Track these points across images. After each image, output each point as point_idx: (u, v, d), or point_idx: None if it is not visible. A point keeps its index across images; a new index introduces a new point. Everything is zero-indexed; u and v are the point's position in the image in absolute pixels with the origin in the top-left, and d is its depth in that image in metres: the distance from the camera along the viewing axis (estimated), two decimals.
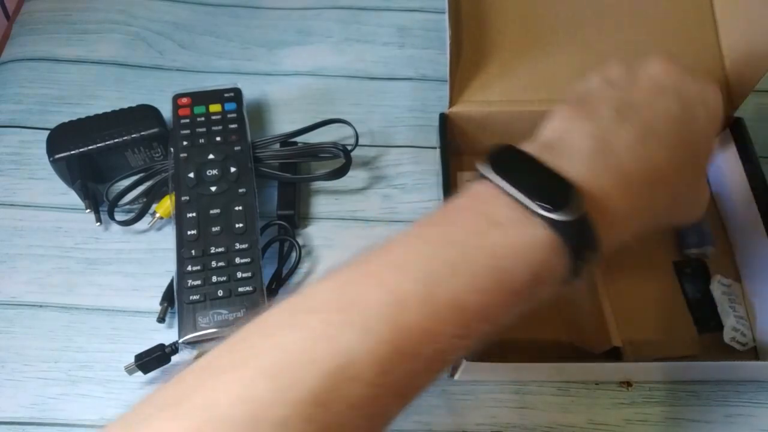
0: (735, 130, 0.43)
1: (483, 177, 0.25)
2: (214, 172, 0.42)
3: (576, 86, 0.32)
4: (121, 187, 0.43)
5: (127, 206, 0.44)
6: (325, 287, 0.23)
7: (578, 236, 0.24)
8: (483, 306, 0.23)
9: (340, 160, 0.44)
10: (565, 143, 0.27)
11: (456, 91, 0.43)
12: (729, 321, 0.39)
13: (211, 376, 0.21)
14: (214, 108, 0.45)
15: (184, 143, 0.43)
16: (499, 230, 0.23)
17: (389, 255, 0.24)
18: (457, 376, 0.38)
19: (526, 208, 0.24)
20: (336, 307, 0.22)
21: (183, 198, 0.41)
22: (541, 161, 0.25)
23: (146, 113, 0.45)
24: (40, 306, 0.42)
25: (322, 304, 0.22)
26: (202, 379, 0.21)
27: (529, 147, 0.27)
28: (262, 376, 0.20)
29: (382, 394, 0.21)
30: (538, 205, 0.23)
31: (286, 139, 0.46)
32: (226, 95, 0.46)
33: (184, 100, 0.45)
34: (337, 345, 0.21)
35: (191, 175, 0.42)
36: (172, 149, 0.43)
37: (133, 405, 0.21)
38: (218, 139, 0.43)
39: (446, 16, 0.39)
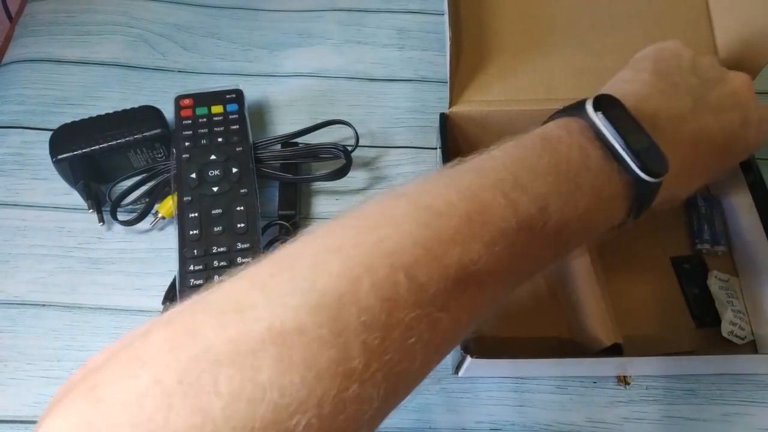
0: None
1: (579, 117, 0.28)
2: (216, 172, 0.42)
3: (660, 49, 0.34)
4: (124, 188, 0.44)
5: (130, 206, 0.44)
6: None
7: (649, 198, 0.27)
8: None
9: (341, 160, 0.45)
10: (658, 117, 0.29)
11: (456, 92, 0.43)
12: (727, 315, 0.40)
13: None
14: (216, 109, 0.45)
15: (186, 144, 0.43)
16: (589, 174, 0.26)
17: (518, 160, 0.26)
18: (461, 373, 0.38)
19: (617, 161, 0.26)
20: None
21: (185, 198, 0.41)
22: (643, 127, 0.27)
23: (148, 114, 0.45)
24: (43, 305, 0.42)
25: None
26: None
27: (627, 106, 0.28)
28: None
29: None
30: (638, 167, 0.26)
31: (287, 140, 0.46)
32: (227, 96, 0.46)
33: (186, 102, 0.45)
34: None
35: (193, 175, 0.42)
36: (174, 150, 0.43)
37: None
38: (220, 139, 0.44)
39: (446, 18, 0.39)
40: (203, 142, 0.44)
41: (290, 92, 0.52)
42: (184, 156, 0.43)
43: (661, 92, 0.31)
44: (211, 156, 0.43)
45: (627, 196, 0.27)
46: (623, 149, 0.26)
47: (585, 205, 0.25)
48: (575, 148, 0.26)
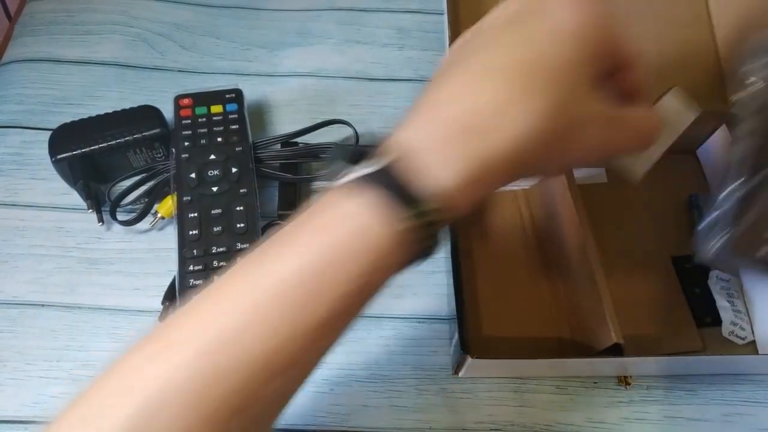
0: (732, 127, 0.43)
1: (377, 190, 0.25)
2: (216, 172, 0.42)
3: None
4: (123, 188, 0.44)
5: (129, 206, 0.44)
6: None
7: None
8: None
9: None
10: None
11: None
12: (727, 315, 0.39)
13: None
14: (216, 109, 0.45)
15: (186, 144, 0.43)
16: (378, 258, 0.24)
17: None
18: (461, 373, 0.38)
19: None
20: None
21: (185, 198, 0.41)
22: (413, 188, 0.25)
23: (148, 114, 0.45)
24: (42, 305, 0.42)
25: None
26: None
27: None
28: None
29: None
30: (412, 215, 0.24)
31: (287, 140, 0.46)
32: (227, 96, 0.46)
33: (186, 101, 0.45)
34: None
35: (193, 175, 0.42)
36: (173, 150, 0.43)
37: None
38: (219, 139, 0.44)
39: (445, 18, 0.39)
40: (203, 141, 0.43)
41: (290, 92, 0.52)
42: (183, 156, 0.43)
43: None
44: (210, 156, 0.43)
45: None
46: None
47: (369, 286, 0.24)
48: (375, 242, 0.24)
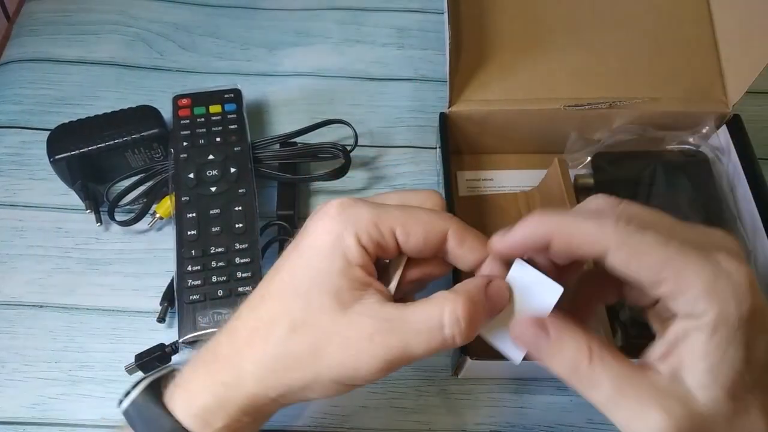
0: (732, 127, 0.43)
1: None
2: (214, 172, 0.42)
3: None
4: (122, 188, 0.43)
5: (128, 207, 0.44)
6: None
7: None
8: None
9: (340, 160, 0.45)
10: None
11: (455, 91, 0.43)
12: None
13: None
14: (214, 109, 0.45)
15: (184, 144, 0.43)
16: None
17: None
18: (461, 374, 0.38)
19: None
20: None
21: (183, 198, 0.41)
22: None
23: (146, 114, 0.45)
24: (41, 306, 0.42)
25: None
26: None
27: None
28: None
29: None
30: None
31: (286, 140, 0.46)
32: (226, 96, 0.46)
33: (184, 101, 0.45)
34: None
35: (191, 175, 0.42)
36: (172, 150, 0.43)
37: None
38: (218, 139, 0.43)
39: (445, 17, 0.39)
40: (201, 141, 0.43)
41: (289, 92, 0.52)
42: (181, 156, 0.42)
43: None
44: (209, 156, 0.43)
45: None
46: None
47: None
48: None
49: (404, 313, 0.25)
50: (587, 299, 0.29)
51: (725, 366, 0.21)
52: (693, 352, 0.21)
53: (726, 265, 0.21)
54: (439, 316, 0.24)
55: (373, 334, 0.24)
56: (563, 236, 0.24)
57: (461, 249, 0.27)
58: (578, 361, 0.23)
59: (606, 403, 0.23)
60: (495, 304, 0.26)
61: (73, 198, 0.44)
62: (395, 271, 0.27)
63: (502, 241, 0.26)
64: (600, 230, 0.23)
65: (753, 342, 0.21)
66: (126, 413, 0.26)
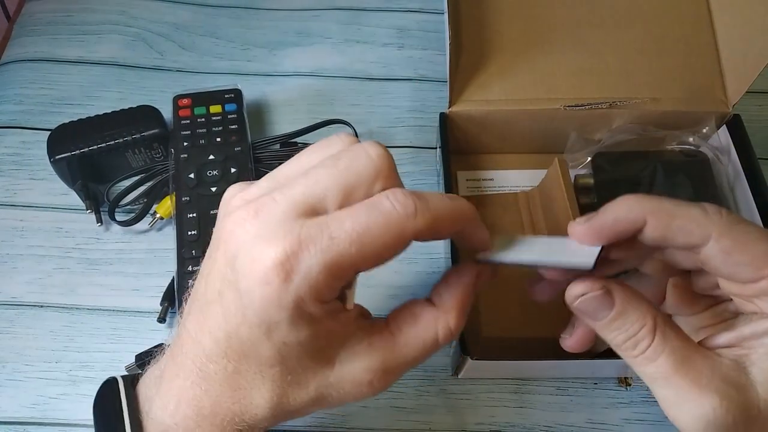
0: (732, 127, 0.43)
1: None
2: (215, 172, 0.42)
3: None
4: (122, 188, 0.43)
5: (128, 207, 0.44)
6: None
7: None
8: None
9: None
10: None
11: (456, 91, 0.43)
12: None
13: None
14: (215, 109, 0.45)
15: (185, 144, 0.43)
16: None
17: None
18: (461, 374, 0.38)
19: None
20: None
21: (183, 198, 0.41)
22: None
23: (146, 114, 0.45)
24: (41, 306, 0.42)
25: None
26: None
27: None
28: None
29: None
30: None
31: (286, 140, 0.46)
32: (226, 96, 0.46)
33: (185, 101, 0.45)
34: None
35: (192, 175, 0.42)
36: (172, 150, 0.43)
37: None
38: (218, 139, 0.44)
39: (445, 17, 0.39)
40: (201, 142, 0.43)
41: (289, 92, 0.52)
42: (182, 156, 0.43)
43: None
44: (209, 156, 0.43)
45: None
46: None
47: None
48: None
49: (397, 347, 0.24)
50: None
51: None
52: (767, 349, 0.21)
53: None
54: (434, 337, 0.24)
55: (372, 381, 0.23)
56: (663, 217, 0.22)
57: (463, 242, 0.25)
58: (640, 336, 0.22)
59: (658, 379, 0.22)
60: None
61: (74, 198, 0.44)
62: (349, 288, 0.24)
63: (590, 224, 0.23)
64: (705, 215, 0.21)
65: None
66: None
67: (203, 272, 0.23)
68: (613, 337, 0.23)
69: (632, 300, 0.22)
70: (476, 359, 0.34)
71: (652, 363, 0.22)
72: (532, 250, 0.24)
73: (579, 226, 0.23)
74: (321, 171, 0.22)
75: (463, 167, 0.47)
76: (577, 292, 0.23)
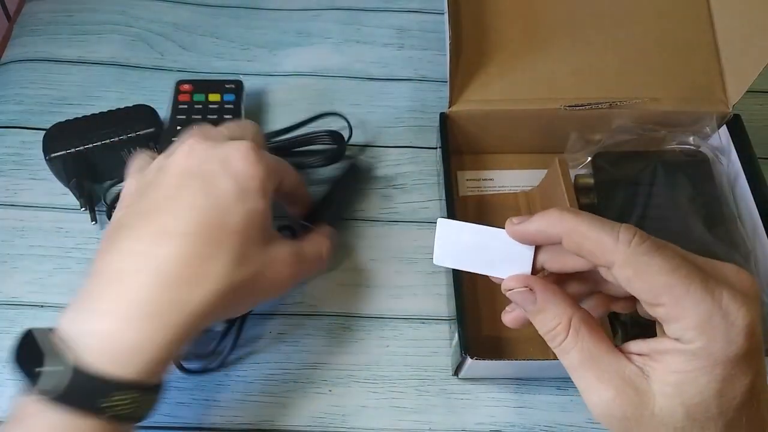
0: (732, 126, 0.43)
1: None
2: None
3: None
4: (120, 189, 0.43)
5: None
6: None
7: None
8: None
9: (333, 146, 0.45)
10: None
11: (456, 91, 0.43)
12: None
13: None
14: (213, 97, 0.46)
15: (177, 128, 0.44)
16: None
17: None
18: (461, 374, 0.38)
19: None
20: None
21: None
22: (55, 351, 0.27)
23: (142, 113, 0.45)
24: (41, 306, 0.42)
25: None
26: None
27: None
28: None
29: None
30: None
31: (280, 134, 0.46)
32: (227, 86, 0.47)
33: (186, 87, 0.46)
34: None
35: None
36: (164, 132, 0.44)
37: None
38: None
39: (445, 17, 0.39)
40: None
41: (289, 91, 0.52)
42: (173, 138, 0.43)
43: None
44: None
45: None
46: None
47: None
48: None
49: (302, 247, 0.35)
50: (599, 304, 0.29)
51: (693, 389, 0.22)
52: (669, 365, 0.23)
53: (726, 304, 0.22)
54: (320, 251, 0.37)
55: (292, 263, 0.33)
56: (575, 238, 0.25)
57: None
58: (556, 332, 0.26)
59: (570, 369, 0.26)
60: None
61: (74, 198, 0.44)
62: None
63: (517, 228, 0.27)
64: (612, 243, 0.23)
65: (732, 380, 0.22)
66: None
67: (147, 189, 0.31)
68: (538, 328, 0.27)
69: (552, 299, 0.26)
70: (476, 359, 0.34)
71: (566, 354, 0.26)
72: (479, 260, 0.28)
73: (511, 226, 0.27)
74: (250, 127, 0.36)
75: (463, 167, 0.47)
76: (507, 286, 0.28)
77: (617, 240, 0.23)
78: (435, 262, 0.29)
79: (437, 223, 0.29)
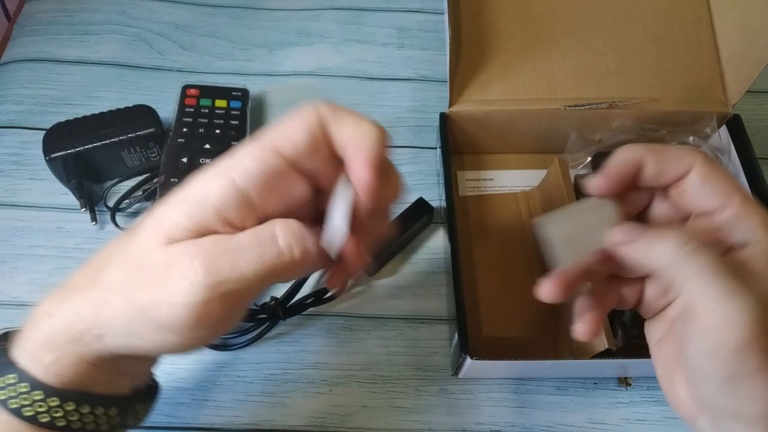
0: (732, 126, 0.43)
1: None
2: (208, 161, 0.42)
3: None
4: (122, 189, 0.44)
5: (130, 210, 0.44)
6: None
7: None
8: None
9: None
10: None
11: (456, 91, 0.43)
12: None
13: None
14: (220, 103, 0.46)
15: (184, 130, 0.44)
16: None
17: None
18: (461, 374, 0.38)
19: None
20: None
21: (172, 179, 0.41)
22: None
23: (142, 113, 0.45)
24: None
25: None
26: None
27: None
28: None
29: None
30: None
31: None
32: (233, 93, 0.47)
33: (193, 91, 0.46)
34: None
35: (185, 159, 0.42)
36: (170, 134, 0.44)
37: None
38: (218, 131, 0.44)
39: (445, 17, 0.39)
40: (201, 131, 0.44)
41: (289, 91, 0.52)
42: (179, 140, 0.43)
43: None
44: (205, 145, 0.43)
45: None
46: None
47: None
48: None
49: (231, 237, 0.23)
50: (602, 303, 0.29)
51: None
52: (758, 262, 0.24)
53: None
54: (271, 228, 0.23)
55: (194, 257, 0.22)
56: (658, 152, 0.26)
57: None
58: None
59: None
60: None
61: (74, 198, 0.44)
62: None
63: (603, 174, 0.28)
64: (689, 149, 0.26)
65: None
66: None
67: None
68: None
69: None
70: (476, 359, 0.34)
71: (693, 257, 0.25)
72: (592, 239, 0.27)
73: (597, 180, 0.28)
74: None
75: (463, 167, 0.47)
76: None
77: (689, 148, 0.26)
78: (562, 267, 0.26)
79: (539, 225, 0.27)
